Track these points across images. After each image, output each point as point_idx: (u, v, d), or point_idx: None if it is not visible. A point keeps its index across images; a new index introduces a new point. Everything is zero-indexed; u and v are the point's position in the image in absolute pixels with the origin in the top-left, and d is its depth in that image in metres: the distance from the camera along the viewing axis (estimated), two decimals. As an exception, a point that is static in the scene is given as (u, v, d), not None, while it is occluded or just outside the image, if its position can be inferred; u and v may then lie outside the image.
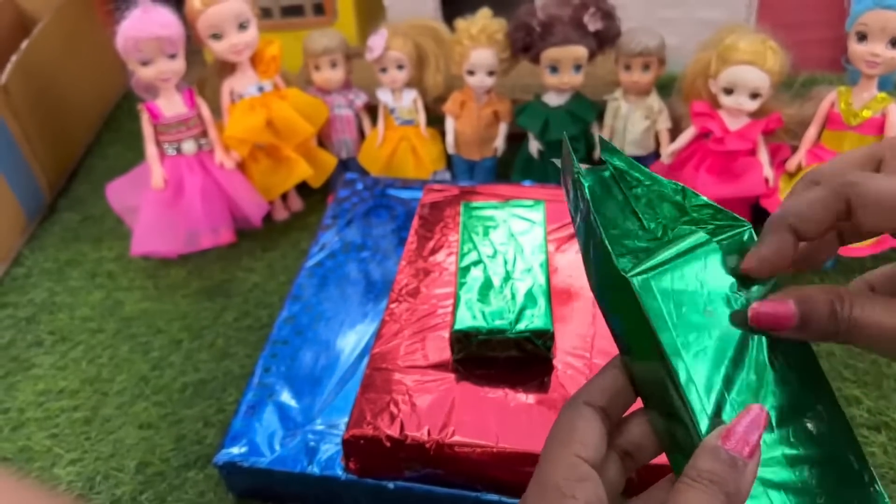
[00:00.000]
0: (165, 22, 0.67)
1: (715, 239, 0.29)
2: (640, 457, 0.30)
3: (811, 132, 0.66)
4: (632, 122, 0.72)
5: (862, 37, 0.61)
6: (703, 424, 0.27)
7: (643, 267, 0.28)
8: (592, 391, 0.29)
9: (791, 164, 0.67)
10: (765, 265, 0.28)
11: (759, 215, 0.69)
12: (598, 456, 0.28)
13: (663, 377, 0.28)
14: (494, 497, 0.47)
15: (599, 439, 0.28)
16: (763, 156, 0.66)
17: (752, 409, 0.26)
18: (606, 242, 0.28)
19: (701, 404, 0.27)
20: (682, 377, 0.27)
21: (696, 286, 0.28)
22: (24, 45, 0.80)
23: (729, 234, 0.29)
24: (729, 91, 0.65)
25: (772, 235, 0.28)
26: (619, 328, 0.30)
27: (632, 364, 0.30)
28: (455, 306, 0.51)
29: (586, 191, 0.30)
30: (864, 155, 0.28)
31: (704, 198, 0.30)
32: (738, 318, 0.28)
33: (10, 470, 0.57)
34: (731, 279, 0.29)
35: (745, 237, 0.29)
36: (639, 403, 0.30)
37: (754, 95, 0.64)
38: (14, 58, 0.78)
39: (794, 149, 0.68)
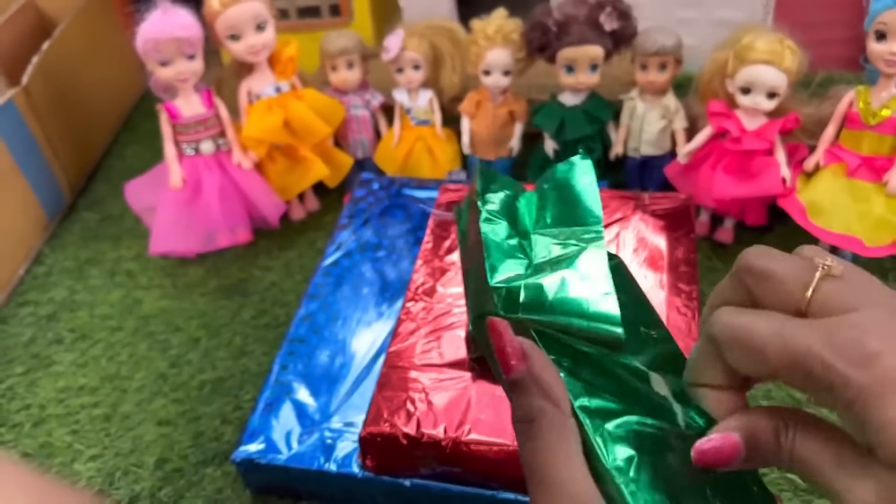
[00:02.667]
0: (184, 23, 0.68)
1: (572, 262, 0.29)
2: None
3: (829, 131, 0.65)
4: (648, 122, 0.72)
5: (881, 35, 0.60)
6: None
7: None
8: None
9: (809, 164, 0.66)
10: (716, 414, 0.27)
11: (776, 215, 0.69)
12: None
13: None
14: (510, 495, 0.47)
15: None
16: (780, 155, 0.66)
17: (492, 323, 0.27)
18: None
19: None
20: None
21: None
22: (44, 46, 0.81)
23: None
24: (746, 91, 0.64)
25: (689, 391, 0.28)
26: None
27: None
28: (471, 305, 0.51)
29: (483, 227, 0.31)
30: (729, 285, 0.26)
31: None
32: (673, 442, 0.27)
33: (32, 465, 0.58)
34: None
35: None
36: None
37: (772, 95, 0.64)
38: (35, 59, 0.79)
39: (812, 148, 0.67)
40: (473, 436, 0.46)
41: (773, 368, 0.23)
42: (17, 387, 0.64)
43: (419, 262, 0.59)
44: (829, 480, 0.23)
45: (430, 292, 0.56)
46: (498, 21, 0.72)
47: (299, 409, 0.53)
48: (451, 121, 0.79)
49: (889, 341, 0.21)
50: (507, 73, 0.73)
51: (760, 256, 0.25)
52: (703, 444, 0.26)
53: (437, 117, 0.78)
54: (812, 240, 0.66)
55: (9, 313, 0.72)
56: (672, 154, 0.73)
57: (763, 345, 0.23)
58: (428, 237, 0.61)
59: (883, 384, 0.21)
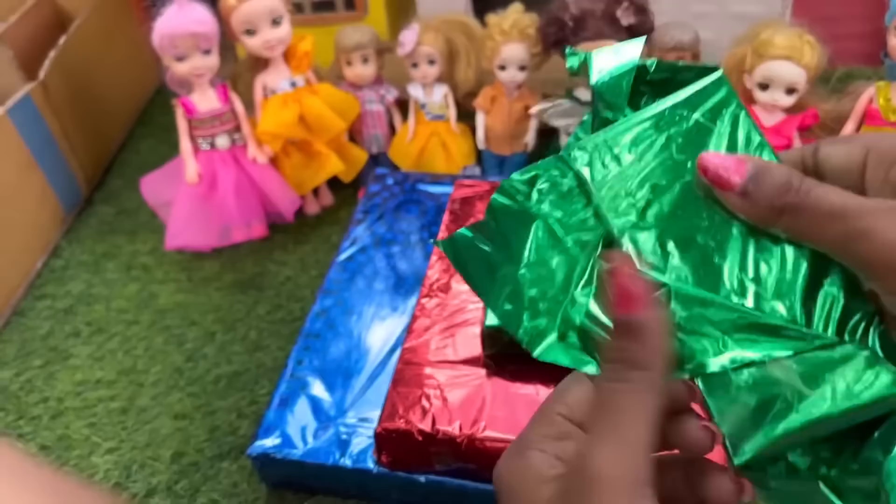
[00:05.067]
0: (200, 18, 0.68)
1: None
2: None
3: (849, 128, 0.65)
4: (664, 118, 0.71)
5: (902, 31, 0.60)
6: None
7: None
8: None
9: (827, 161, 0.66)
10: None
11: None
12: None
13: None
14: (525, 492, 0.47)
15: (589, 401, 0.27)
16: (798, 152, 0.66)
17: (613, 257, 0.25)
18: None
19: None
20: None
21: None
22: (61, 41, 0.82)
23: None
24: (764, 86, 0.64)
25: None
26: None
27: None
28: (486, 302, 0.51)
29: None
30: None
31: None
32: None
33: (50, 458, 0.59)
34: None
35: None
36: None
37: (790, 91, 0.63)
38: (52, 54, 0.80)
39: (831, 145, 0.67)
40: (488, 433, 0.46)
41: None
42: (36, 379, 0.65)
43: (434, 257, 0.59)
44: (851, 214, 0.22)
45: (445, 288, 0.56)
46: (514, 16, 0.71)
47: (314, 404, 0.54)
48: (465, 116, 0.79)
49: None
50: (522, 68, 0.73)
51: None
52: (710, 155, 0.25)
53: (452, 112, 0.78)
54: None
55: (27, 306, 0.72)
56: (688, 150, 0.72)
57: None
58: (442, 233, 0.61)
59: None
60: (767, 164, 0.25)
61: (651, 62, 0.27)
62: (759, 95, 0.64)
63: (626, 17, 0.68)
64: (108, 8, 0.92)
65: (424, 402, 0.48)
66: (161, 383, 0.63)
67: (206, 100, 0.72)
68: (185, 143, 0.73)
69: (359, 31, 0.76)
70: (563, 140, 0.76)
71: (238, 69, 0.78)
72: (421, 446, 0.47)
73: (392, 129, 0.81)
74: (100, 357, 0.66)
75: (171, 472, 0.56)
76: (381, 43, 0.77)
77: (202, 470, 0.56)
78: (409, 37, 0.74)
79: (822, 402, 0.24)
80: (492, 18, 0.72)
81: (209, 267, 0.74)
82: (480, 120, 0.77)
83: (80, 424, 0.61)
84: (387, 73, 0.80)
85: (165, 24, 0.68)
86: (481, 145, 0.78)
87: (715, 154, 0.25)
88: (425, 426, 0.47)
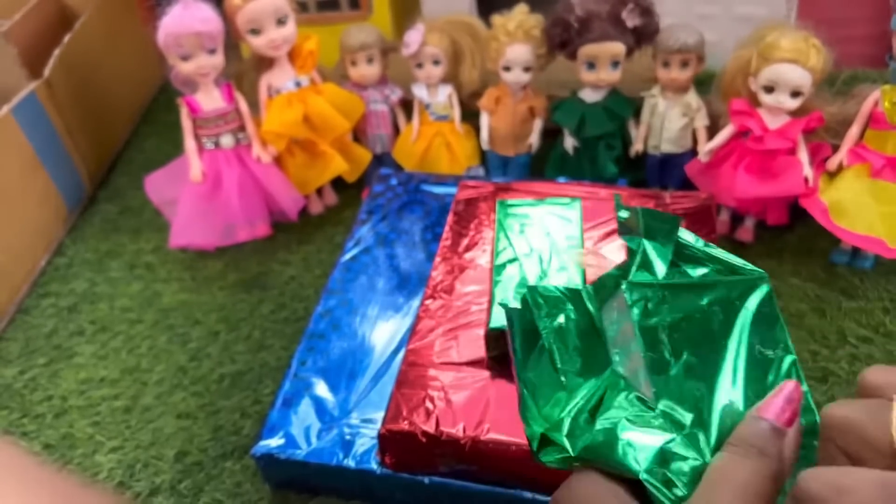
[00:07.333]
0: (205, 17, 0.68)
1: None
2: None
3: (854, 131, 0.65)
4: (669, 120, 0.71)
5: (908, 34, 0.59)
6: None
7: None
8: None
9: (832, 164, 0.66)
10: None
11: (797, 214, 0.68)
12: None
13: None
14: (529, 494, 0.47)
15: None
16: (803, 155, 0.66)
17: (787, 384, 0.27)
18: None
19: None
20: None
21: None
22: (66, 39, 0.82)
23: None
24: (769, 89, 0.64)
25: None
26: None
27: None
28: (490, 304, 0.51)
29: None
30: (822, 448, 0.28)
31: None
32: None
33: (54, 457, 0.59)
34: None
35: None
36: None
37: (795, 94, 0.63)
38: (56, 52, 0.80)
39: (836, 148, 0.66)
40: (492, 435, 0.46)
41: None
42: (40, 378, 0.65)
43: (438, 259, 0.59)
44: None
45: (449, 290, 0.56)
46: (519, 17, 0.71)
47: (318, 404, 0.54)
48: (470, 116, 0.79)
49: None
50: (527, 69, 0.72)
51: (835, 408, 0.27)
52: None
53: (457, 113, 0.78)
54: (834, 240, 0.65)
55: (31, 304, 0.72)
56: (693, 152, 0.72)
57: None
58: (447, 234, 0.61)
59: None
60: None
61: None
62: (764, 98, 0.64)
63: (631, 19, 0.68)
64: (113, 6, 0.92)
65: (428, 404, 0.48)
66: (165, 382, 0.63)
67: (210, 99, 0.72)
68: (189, 143, 0.73)
69: (363, 30, 0.76)
70: (568, 142, 0.76)
71: (243, 68, 0.78)
72: (425, 448, 0.47)
73: (396, 130, 0.81)
74: (103, 356, 0.67)
75: (175, 472, 0.57)
76: (386, 43, 0.77)
77: (206, 469, 0.57)
78: (413, 37, 0.74)
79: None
80: (497, 19, 0.72)
81: (213, 266, 0.74)
82: (485, 121, 0.77)
83: (83, 423, 0.61)
84: (391, 74, 0.80)
85: (170, 23, 0.68)
86: (485, 146, 0.78)
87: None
88: (429, 428, 0.47)
